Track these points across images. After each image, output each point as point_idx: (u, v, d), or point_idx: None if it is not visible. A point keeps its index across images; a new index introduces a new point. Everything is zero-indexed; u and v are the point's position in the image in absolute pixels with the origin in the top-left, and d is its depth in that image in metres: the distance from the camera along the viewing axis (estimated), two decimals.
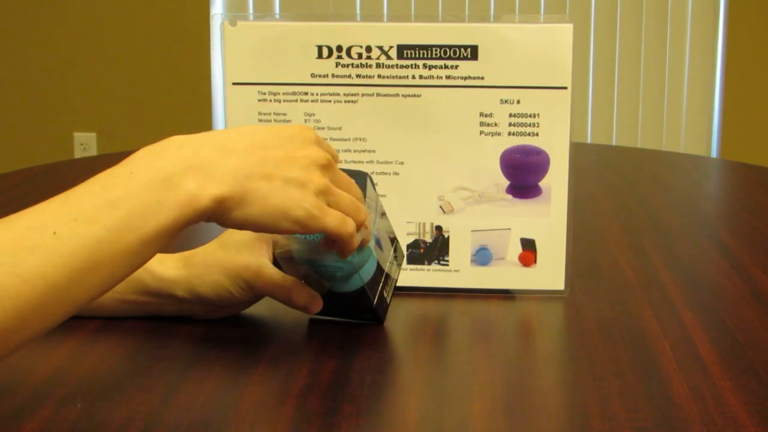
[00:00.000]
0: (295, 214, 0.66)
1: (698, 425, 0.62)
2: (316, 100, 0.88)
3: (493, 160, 0.88)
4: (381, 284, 0.80)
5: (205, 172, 0.63)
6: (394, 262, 0.82)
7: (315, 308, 0.80)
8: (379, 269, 0.79)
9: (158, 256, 0.76)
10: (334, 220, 0.69)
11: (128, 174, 0.62)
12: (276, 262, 0.80)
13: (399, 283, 0.88)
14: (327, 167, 0.69)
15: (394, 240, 0.82)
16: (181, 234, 0.63)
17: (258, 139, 0.67)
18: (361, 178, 0.77)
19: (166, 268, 0.80)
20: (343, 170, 0.73)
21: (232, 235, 0.80)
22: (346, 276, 0.77)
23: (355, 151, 0.88)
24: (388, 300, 0.81)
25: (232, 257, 0.79)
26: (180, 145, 0.64)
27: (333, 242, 0.72)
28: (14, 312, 0.56)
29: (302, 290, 0.79)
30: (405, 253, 0.89)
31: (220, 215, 0.64)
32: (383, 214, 0.81)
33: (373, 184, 0.80)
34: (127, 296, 0.80)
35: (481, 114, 0.87)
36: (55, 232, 0.58)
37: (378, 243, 0.79)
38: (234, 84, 0.88)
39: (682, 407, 0.65)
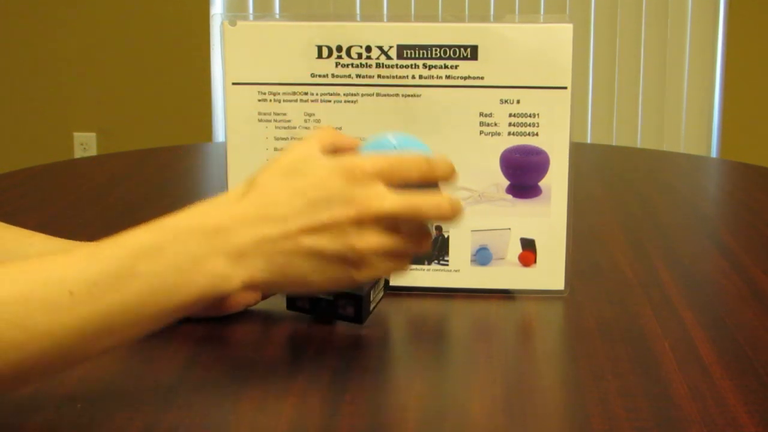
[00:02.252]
0: (342, 284, 0.62)
1: (698, 425, 0.62)
2: (316, 100, 0.88)
3: (493, 160, 0.88)
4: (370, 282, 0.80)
5: (236, 259, 0.60)
6: None
7: None
8: None
9: None
10: (380, 272, 0.63)
11: (158, 249, 0.58)
12: None
13: (399, 283, 0.88)
14: (374, 220, 0.61)
15: None
16: None
17: (293, 212, 0.61)
18: None
19: None
20: None
21: None
22: None
23: None
24: (373, 305, 0.81)
25: None
26: (215, 225, 0.60)
27: None
28: (16, 363, 0.55)
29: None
30: None
31: (252, 290, 0.64)
32: None
33: None
34: None
35: (481, 114, 0.87)
36: (71, 292, 0.56)
37: None
38: (234, 84, 0.88)
39: (682, 407, 0.65)
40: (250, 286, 0.61)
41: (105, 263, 0.58)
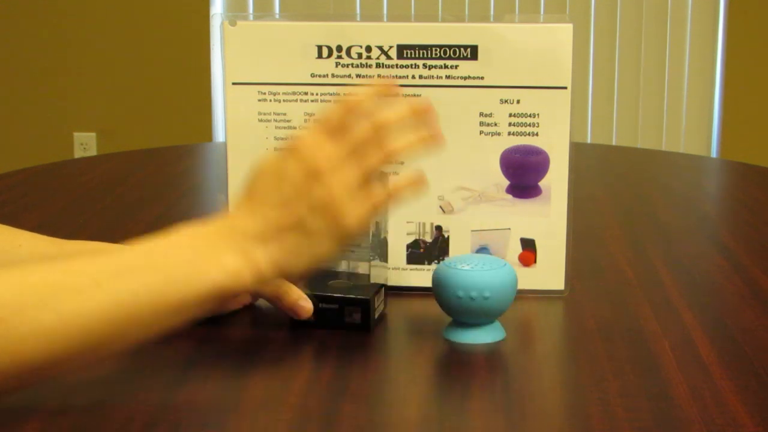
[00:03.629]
0: (341, 233, 0.69)
1: (698, 425, 0.62)
2: (316, 100, 0.88)
3: (493, 160, 0.88)
4: (374, 285, 0.80)
5: (247, 255, 0.66)
6: (381, 264, 0.83)
7: (303, 312, 0.79)
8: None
9: None
10: (358, 220, 0.70)
11: (173, 247, 0.65)
12: None
13: (399, 283, 0.89)
14: (339, 165, 0.69)
15: (384, 245, 0.83)
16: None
17: (283, 196, 0.68)
18: None
19: None
20: None
21: None
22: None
23: None
24: (378, 311, 0.81)
25: None
26: (220, 228, 0.67)
27: None
28: (46, 350, 0.58)
29: (291, 289, 0.79)
30: (405, 253, 0.89)
31: (260, 284, 0.69)
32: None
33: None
34: None
35: (481, 114, 0.87)
36: (96, 281, 0.60)
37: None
38: (234, 84, 0.88)
39: (682, 407, 0.65)
40: (260, 277, 0.67)
41: (125, 258, 0.63)
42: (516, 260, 0.89)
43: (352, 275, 0.82)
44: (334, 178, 0.68)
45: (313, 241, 0.68)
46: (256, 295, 0.82)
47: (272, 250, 0.67)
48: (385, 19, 1.02)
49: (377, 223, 0.82)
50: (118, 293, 0.60)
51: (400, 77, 0.87)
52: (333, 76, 0.87)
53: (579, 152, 0.98)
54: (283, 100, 0.88)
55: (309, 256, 0.69)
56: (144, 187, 1.41)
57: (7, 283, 0.58)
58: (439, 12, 3.34)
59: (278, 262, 0.68)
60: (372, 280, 0.83)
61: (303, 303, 0.78)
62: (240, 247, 0.66)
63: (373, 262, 0.83)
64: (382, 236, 0.83)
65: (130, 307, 0.61)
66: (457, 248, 0.89)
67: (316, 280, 0.81)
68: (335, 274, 0.83)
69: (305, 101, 0.88)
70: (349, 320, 0.79)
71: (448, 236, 0.89)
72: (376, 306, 0.80)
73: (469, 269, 0.76)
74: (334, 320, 0.79)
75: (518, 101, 0.87)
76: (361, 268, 0.83)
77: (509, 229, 0.89)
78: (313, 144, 0.69)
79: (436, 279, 0.77)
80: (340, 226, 0.68)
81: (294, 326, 0.80)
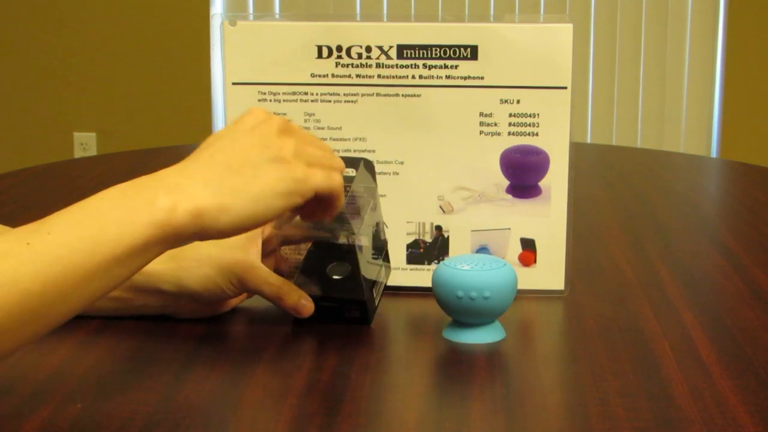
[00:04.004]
0: (283, 187, 0.66)
1: (698, 425, 0.62)
2: (316, 100, 0.88)
3: (493, 160, 0.88)
4: (371, 281, 0.80)
5: (177, 190, 0.63)
6: (383, 265, 0.83)
7: (305, 311, 0.79)
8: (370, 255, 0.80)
9: None
10: (320, 176, 0.68)
11: (100, 199, 0.62)
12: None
13: (399, 284, 0.89)
14: (287, 130, 0.68)
15: (384, 245, 0.83)
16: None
17: (217, 145, 0.67)
18: (355, 163, 0.78)
19: (152, 262, 0.80)
20: (342, 158, 0.73)
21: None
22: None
23: (355, 151, 0.88)
24: (377, 301, 0.81)
25: (224, 253, 0.79)
26: (152, 176, 0.65)
27: (313, 212, 0.72)
28: None
29: (292, 290, 0.79)
30: (405, 253, 0.89)
31: (205, 229, 0.64)
32: (375, 206, 0.81)
33: (372, 171, 0.80)
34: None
35: (481, 114, 0.87)
36: (28, 243, 0.58)
37: (375, 233, 0.80)
38: (234, 84, 0.88)
39: (682, 407, 0.65)
40: (197, 216, 0.63)
41: (56, 217, 0.61)
42: (516, 260, 0.89)
43: (349, 255, 0.80)
44: (298, 138, 0.68)
45: (256, 175, 0.65)
46: (251, 293, 0.82)
47: (213, 188, 0.64)
48: (385, 19, 1.02)
49: (377, 224, 0.82)
50: (50, 251, 0.58)
51: (400, 77, 0.87)
52: (333, 76, 0.87)
53: (579, 152, 0.98)
54: (283, 100, 0.88)
55: (251, 201, 0.65)
56: None
57: None
58: (439, 12, 3.34)
59: (218, 202, 0.64)
60: (367, 275, 0.82)
61: (305, 302, 0.79)
62: (175, 184, 0.64)
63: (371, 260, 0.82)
64: (382, 238, 0.83)
65: (66, 262, 0.58)
66: (457, 248, 0.89)
67: (314, 258, 0.80)
68: (333, 250, 0.82)
69: (305, 101, 0.88)
70: (349, 315, 0.80)
71: (448, 236, 0.89)
72: (375, 296, 0.81)
73: (469, 269, 0.76)
74: (334, 316, 0.80)
75: (518, 101, 0.87)
76: (362, 239, 0.82)
77: (509, 229, 0.89)
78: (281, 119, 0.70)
79: (435, 279, 0.77)
80: (297, 178, 0.67)
81: (297, 321, 0.80)
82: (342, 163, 0.72)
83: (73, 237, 0.59)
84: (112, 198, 0.62)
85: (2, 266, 0.57)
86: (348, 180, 0.78)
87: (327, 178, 0.69)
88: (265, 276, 0.79)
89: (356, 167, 0.79)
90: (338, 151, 0.88)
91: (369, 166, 0.81)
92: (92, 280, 0.60)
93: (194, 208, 0.63)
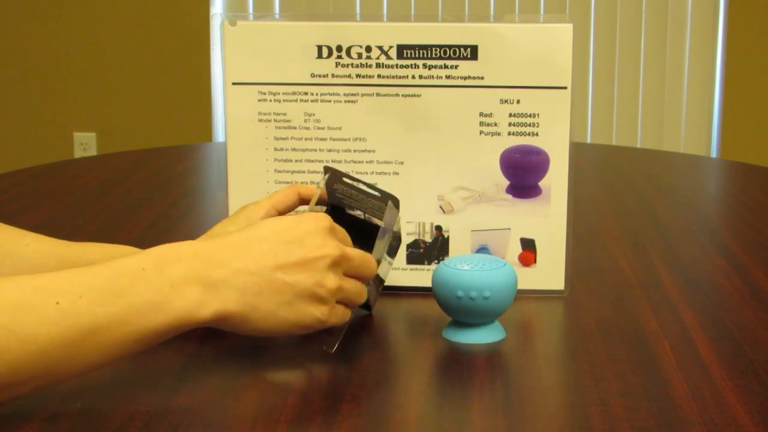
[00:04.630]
0: (306, 322, 0.69)
1: (698, 425, 0.62)
2: (316, 100, 0.88)
3: (492, 160, 0.88)
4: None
5: (212, 288, 0.65)
6: (386, 258, 0.83)
7: None
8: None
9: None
10: (339, 315, 0.71)
11: (140, 270, 0.63)
12: None
13: (399, 284, 0.89)
14: (339, 263, 0.70)
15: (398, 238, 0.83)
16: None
17: (270, 249, 0.67)
18: (384, 203, 0.79)
19: None
20: (375, 190, 0.75)
21: (228, 226, 0.80)
22: None
23: (355, 151, 0.88)
24: (377, 291, 0.82)
25: None
26: (194, 254, 0.65)
27: None
28: (4, 368, 0.58)
29: None
30: (405, 253, 0.89)
31: (224, 326, 0.67)
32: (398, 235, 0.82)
33: (397, 207, 0.80)
34: None
35: (481, 114, 0.87)
36: (58, 302, 0.59)
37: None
38: (234, 84, 0.88)
39: (682, 407, 0.65)
40: (220, 318, 0.65)
41: (92, 279, 0.61)
42: (516, 260, 0.89)
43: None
44: (344, 279, 0.70)
45: (285, 303, 0.67)
46: None
47: (248, 299, 0.66)
48: (385, 19, 1.02)
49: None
50: (77, 318, 0.59)
51: (399, 77, 0.87)
52: (333, 76, 0.87)
53: (579, 152, 0.98)
54: (283, 100, 0.88)
55: (274, 323, 0.68)
56: (144, 187, 1.41)
57: None
58: (439, 12, 3.34)
59: (245, 312, 0.66)
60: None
61: None
62: (214, 282, 0.65)
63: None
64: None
65: (88, 332, 0.60)
66: (457, 248, 0.89)
67: None
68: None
69: (305, 101, 0.88)
70: None
71: (448, 236, 0.89)
72: (376, 289, 0.81)
73: (469, 269, 0.76)
74: None
75: (518, 101, 0.87)
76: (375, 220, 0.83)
77: (509, 229, 0.89)
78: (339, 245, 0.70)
79: (435, 279, 0.77)
80: (315, 314, 0.69)
81: None
82: (365, 295, 0.74)
83: (102, 309, 0.61)
84: (148, 273, 0.63)
85: (24, 320, 0.58)
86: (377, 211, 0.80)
87: (343, 316, 0.72)
88: None
89: (385, 203, 0.79)
90: (338, 151, 0.88)
91: (395, 202, 0.80)
92: (109, 351, 0.62)
93: (222, 312, 0.65)
